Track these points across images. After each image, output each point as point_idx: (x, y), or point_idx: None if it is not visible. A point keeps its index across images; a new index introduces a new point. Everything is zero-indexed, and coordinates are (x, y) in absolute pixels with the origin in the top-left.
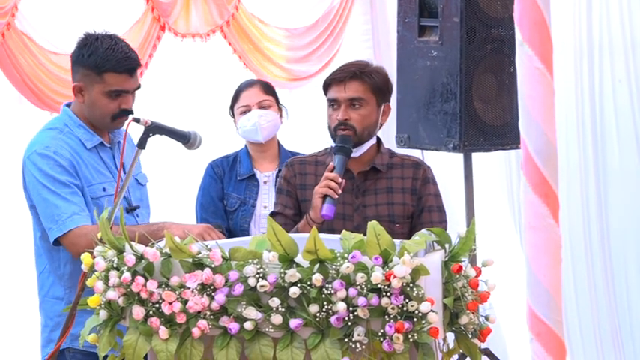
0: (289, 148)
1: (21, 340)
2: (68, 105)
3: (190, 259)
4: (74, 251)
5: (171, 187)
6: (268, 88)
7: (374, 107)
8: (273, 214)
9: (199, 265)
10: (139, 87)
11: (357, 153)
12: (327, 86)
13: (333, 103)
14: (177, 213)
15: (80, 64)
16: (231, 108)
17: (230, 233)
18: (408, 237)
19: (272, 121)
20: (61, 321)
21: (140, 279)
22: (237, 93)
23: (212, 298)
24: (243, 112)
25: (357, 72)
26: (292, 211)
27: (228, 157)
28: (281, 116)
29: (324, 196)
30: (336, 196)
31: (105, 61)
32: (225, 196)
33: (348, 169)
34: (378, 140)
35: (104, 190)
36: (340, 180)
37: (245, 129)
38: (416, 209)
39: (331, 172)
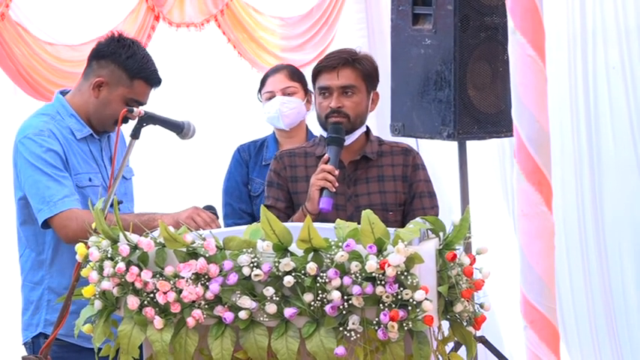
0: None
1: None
2: (62, 93)
3: (184, 249)
4: (63, 234)
5: (165, 180)
6: (295, 75)
7: (365, 94)
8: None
9: (193, 254)
10: (146, 103)
11: (348, 141)
12: (316, 74)
13: (325, 90)
14: (176, 202)
15: (114, 61)
16: (259, 92)
17: (253, 218)
18: (401, 225)
19: (295, 108)
20: (40, 305)
21: (134, 269)
22: (264, 78)
23: (206, 287)
24: (268, 98)
25: (348, 59)
26: (284, 204)
27: (256, 141)
28: (309, 102)
29: (322, 189)
30: (334, 190)
31: (141, 69)
32: (249, 181)
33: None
34: (367, 128)
35: (90, 180)
36: (337, 172)
37: (269, 115)
38: (407, 196)
39: (326, 163)
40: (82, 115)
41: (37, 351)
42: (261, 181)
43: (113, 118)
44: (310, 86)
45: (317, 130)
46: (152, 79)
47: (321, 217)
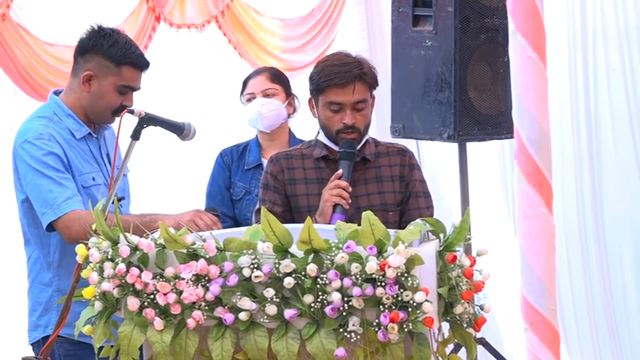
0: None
1: (9, 323)
2: (56, 93)
3: (185, 250)
4: (67, 235)
5: (164, 178)
6: (276, 77)
7: (370, 104)
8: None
9: (194, 256)
10: (139, 88)
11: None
12: (323, 88)
13: (336, 106)
14: (177, 203)
15: (98, 53)
16: (241, 95)
17: (236, 222)
18: (399, 224)
19: (275, 110)
20: (49, 307)
21: (135, 270)
22: (246, 81)
23: (207, 289)
24: (249, 100)
25: (360, 74)
26: (281, 208)
27: (239, 145)
28: (291, 105)
29: (335, 205)
30: (347, 206)
31: (125, 55)
32: (231, 185)
33: (337, 160)
34: None
35: (93, 179)
36: (350, 189)
37: (249, 117)
38: (404, 195)
39: (339, 178)
40: (79, 113)
41: (50, 352)
42: (243, 185)
43: (109, 110)
44: (293, 90)
45: (300, 134)
46: (139, 63)
47: None
